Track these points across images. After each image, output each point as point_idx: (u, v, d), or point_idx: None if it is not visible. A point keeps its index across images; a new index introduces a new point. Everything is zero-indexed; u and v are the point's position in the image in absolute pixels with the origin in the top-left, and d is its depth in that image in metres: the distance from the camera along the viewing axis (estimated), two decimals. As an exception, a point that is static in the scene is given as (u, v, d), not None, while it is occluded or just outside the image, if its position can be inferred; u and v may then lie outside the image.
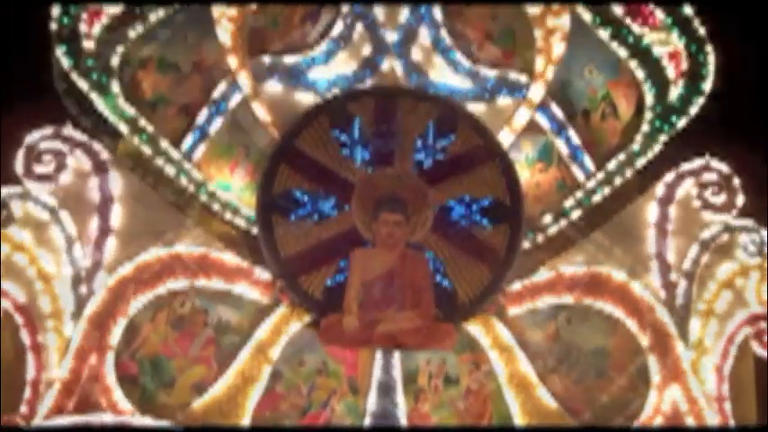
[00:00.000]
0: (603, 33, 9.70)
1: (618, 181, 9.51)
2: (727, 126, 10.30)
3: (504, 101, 9.79)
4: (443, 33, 9.78)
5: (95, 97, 9.19)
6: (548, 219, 9.44)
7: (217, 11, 9.50)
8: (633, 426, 8.88)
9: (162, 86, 9.54)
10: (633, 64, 9.66)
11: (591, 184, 9.57)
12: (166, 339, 8.95)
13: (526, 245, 9.27)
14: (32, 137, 8.97)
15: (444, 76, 9.78)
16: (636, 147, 9.56)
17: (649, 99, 9.64)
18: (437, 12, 9.79)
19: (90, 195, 9.01)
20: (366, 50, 9.75)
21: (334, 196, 9.21)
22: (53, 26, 9.20)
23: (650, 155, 9.54)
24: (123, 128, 9.22)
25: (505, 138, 9.58)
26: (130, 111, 9.26)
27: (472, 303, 9.09)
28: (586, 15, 9.71)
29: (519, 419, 8.91)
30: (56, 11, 9.20)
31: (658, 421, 8.86)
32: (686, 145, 9.63)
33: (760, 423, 9.00)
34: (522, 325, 9.18)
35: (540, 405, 8.94)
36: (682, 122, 9.56)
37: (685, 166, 9.50)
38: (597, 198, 9.49)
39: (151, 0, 9.34)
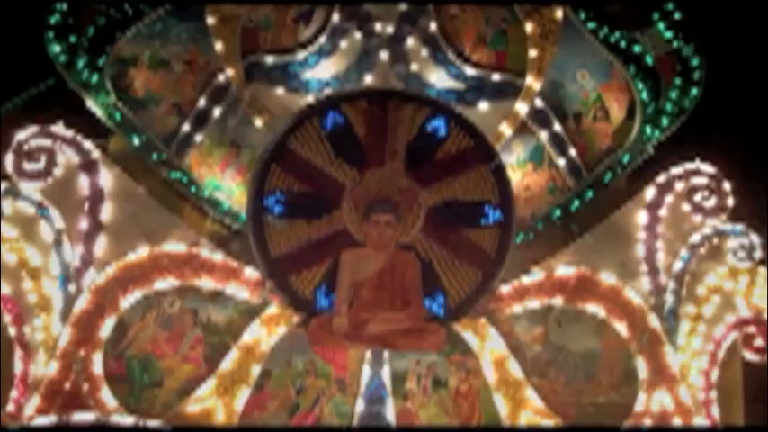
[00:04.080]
0: (595, 37, 9.72)
1: (608, 184, 9.54)
2: (718, 130, 10.33)
3: (495, 103, 9.79)
4: (436, 35, 9.79)
5: (86, 95, 9.21)
6: (538, 221, 9.49)
7: (210, 10, 9.52)
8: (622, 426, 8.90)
9: (153, 85, 9.54)
10: (624, 68, 9.67)
11: (581, 186, 9.62)
12: (155, 339, 8.92)
13: (516, 247, 9.27)
14: (22, 134, 8.94)
15: (436, 78, 9.78)
16: (626, 150, 9.59)
17: (640, 103, 9.65)
18: (430, 13, 9.79)
19: (80, 193, 8.96)
20: (358, 52, 9.74)
21: (325, 197, 9.20)
22: (46, 24, 9.19)
23: (641, 158, 9.58)
24: (114, 126, 9.24)
25: (496, 140, 9.59)
26: (122, 109, 9.27)
27: (462, 305, 9.09)
28: (578, 19, 9.73)
29: (508, 421, 8.90)
30: (49, 9, 9.22)
31: (646, 424, 8.85)
32: (677, 148, 9.65)
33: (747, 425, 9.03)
34: (512, 327, 9.16)
35: (529, 407, 8.94)
36: (672, 126, 9.58)
37: (675, 170, 9.48)
38: (587, 201, 9.52)
39: (144, -1, 9.40)
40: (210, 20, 9.52)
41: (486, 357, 9.03)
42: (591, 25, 9.69)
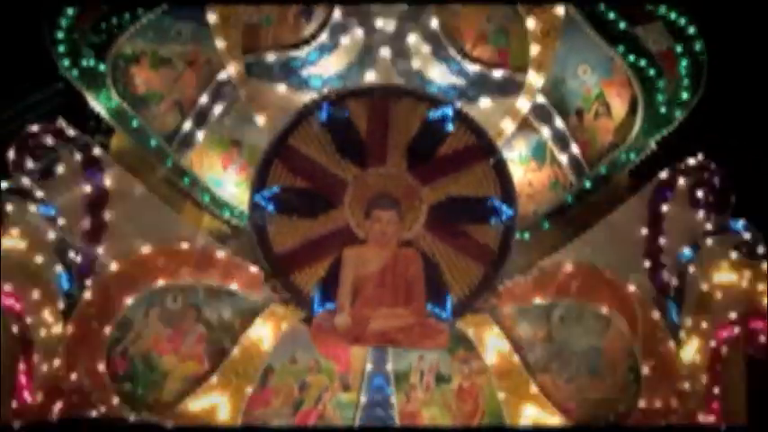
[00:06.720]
0: (596, 33, 9.72)
1: (610, 180, 9.55)
2: (721, 125, 10.32)
3: (497, 100, 9.77)
4: (438, 31, 9.78)
5: (88, 93, 9.21)
6: (540, 217, 9.48)
7: (211, 7, 9.52)
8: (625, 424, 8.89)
9: (155, 82, 9.54)
10: (626, 63, 9.67)
11: (584, 182, 9.61)
12: (158, 336, 8.92)
13: (519, 243, 9.27)
14: (25, 132, 8.93)
15: (438, 75, 9.77)
16: (628, 146, 9.59)
17: (642, 98, 9.65)
18: (431, 11, 9.78)
19: (82, 191, 8.95)
20: (360, 48, 9.72)
21: (327, 194, 9.20)
22: (48, 22, 9.20)
23: (643, 154, 9.58)
24: (116, 123, 9.25)
25: (499, 136, 9.58)
26: (123, 106, 9.28)
27: (465, 302, 9.10)
28: (579, 14, 9.72)
29: (510, 418, 8.90)
30: (51, 8, 9.23)
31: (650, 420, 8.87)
32: (679, 144, 9.64)
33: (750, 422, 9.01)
34: (515, 323, 9.17)
35: (532, 404, 8.94)
36: (675, 122, 9.58)
37: (678, 166, 9.46)
38: (590, 197, 9.53)
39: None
40: (212, 17, 9.51)
41: (490, 354, 9.04)
42: (592, 20, 9.67)
